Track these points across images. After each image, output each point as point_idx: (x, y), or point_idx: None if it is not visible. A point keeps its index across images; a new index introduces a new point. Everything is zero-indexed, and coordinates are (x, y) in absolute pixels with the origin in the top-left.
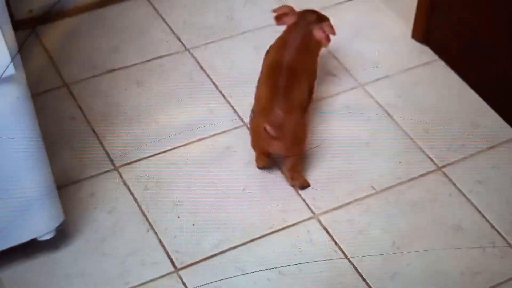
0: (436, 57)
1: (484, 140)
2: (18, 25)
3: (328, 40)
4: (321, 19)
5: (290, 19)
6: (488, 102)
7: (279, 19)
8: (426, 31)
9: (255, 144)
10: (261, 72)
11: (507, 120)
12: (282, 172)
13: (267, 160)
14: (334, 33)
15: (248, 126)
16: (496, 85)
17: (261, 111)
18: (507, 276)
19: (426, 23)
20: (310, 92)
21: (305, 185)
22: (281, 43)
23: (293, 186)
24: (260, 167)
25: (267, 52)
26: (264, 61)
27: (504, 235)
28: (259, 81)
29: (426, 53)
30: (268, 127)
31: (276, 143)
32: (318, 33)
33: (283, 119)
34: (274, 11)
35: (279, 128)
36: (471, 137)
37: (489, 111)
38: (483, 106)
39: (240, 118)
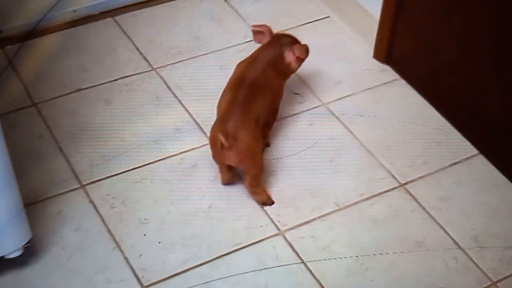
0: (398, 76)
1: (446, 158)
2: None
3: (297, 62)
4: (294, 42)
5: (265, 39)
6: (449, 120)
7: (256, 36)
8: (387, 50)
9: (213, 156)
10: (227, 83)
11: (469, 138)
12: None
13: (229, 174)
14: (303, 56)
15: None
16: (457, 103)
17: (217, 121)
18: None
19: (387, 43)
20: (275, 111)
21: (267, 202)
22: (250, 59)
23: (256, 201)
24: (224, 183)
25: (236, 66)
26: (233, 72)
27: (467, 251)
28: (222, 92)
29: (387, 72)
30: (220, 136)
31: (229, 153)
32: (288, 55)
33: (236, 129)
34: (253, 27)
35: (232, 138)
36: (433, 155)
37: (451, 129)
38: (444, 124)
39: (206, 136)
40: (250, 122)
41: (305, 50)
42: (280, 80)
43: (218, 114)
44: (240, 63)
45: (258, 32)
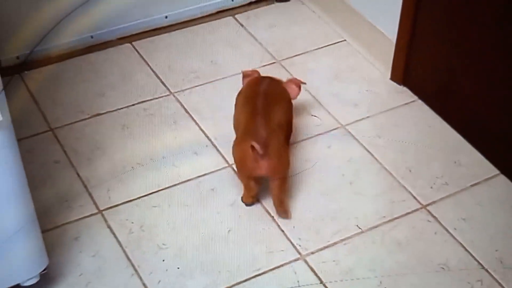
0: (415, 97)
1: (466, 178)
2: (5, 71)
3: (299, 89)
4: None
5: (255, 73)
6: (468, 140)
7: (245, 80)
8: (404, 72)
9: (242, 172)
10: (236, 106)
11: (488, 158)
12: (266, 210)
13: (256, 189)
14: (302, 83)
15: (233, 157)
16: (476, 123)
17: (243, 135)
18: None
19: (404, 64)
20: (290, 122)
21: (288, 216)
22: (252, 83)
23: (279, 213)
24: (249, 201)
25: (238, 94)
26: (236, 100)
27: (492, 272)
28: (235, 114)
29: (405, 94)
30: (255, 144)
31: (263, 163)
32: (289, 86)
33: (266, 137)
34: (244, 72)
35: (264, 146)
36: (453, 175)
37: (471, 149)
38: (464, 144)
39: (224, 159)
40: (274, 129)
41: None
42: (286, 94)
43: (239, 129)
44: (241, 91)
45: (248, 75)
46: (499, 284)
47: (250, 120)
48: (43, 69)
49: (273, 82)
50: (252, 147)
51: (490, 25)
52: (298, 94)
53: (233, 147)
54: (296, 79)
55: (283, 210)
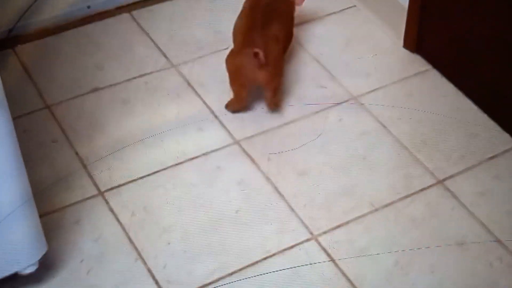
0: (429, 66)
1: (483, 151)
2: None
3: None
4: None
5: None
6: (485, 111)
7: None
8: (417, 40)
9: (238, 81)
10: (239, 14)
11: (506, 129)
12: (276, 189)
13: (246, 100)
14: None
15: (227, 66)
16: (493, 93)
17: (241, 45)
18: None
19: (417, 32)
20: (290, 34)
21: (278, 107)
22: None
23: (271, 109)
24: (234, 110)
25: (244, 3)
26: (242, 8)
27: (511, 249)
28: (236, 22)
29: (418, 62)
30: (260, 52)
31: (262, 71)
32: None
33: (265, 48)
34: None
35: (265, 55)
36: (470, 148)
37: (488, 120)
38: (480, 115)
39: (230, 135)
40: (272, 40)
41: None
42: (289, 7)
43: (237, 39)
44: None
45: None
46: None
47: (250, 31)
48: (38, 42)
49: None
50: (256, 54)
51: None
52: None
53: (229, 56)
54: None
55: (273, 104)
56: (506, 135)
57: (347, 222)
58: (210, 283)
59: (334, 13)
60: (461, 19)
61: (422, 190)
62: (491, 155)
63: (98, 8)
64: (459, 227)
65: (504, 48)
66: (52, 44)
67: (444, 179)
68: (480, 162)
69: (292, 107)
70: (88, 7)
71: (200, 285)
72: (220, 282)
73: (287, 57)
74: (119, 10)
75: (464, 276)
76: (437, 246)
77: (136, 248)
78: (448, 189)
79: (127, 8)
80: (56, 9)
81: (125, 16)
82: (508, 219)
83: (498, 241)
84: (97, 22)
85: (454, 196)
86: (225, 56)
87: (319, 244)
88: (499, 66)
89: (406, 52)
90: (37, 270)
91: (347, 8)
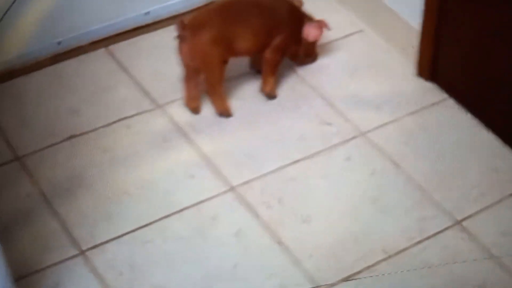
0: (445, 95)
1: (505, 186)
2: None
3: (320, 31)
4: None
5: None
6: (506, 143)
7: None
8: (431, 66)
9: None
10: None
11: None
12: (277, 238)
13: (193, 90)
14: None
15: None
16: None
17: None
18: None
19: (431, 57)
20: (277, 48)
21: (223, 113)
22: None
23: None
24: (189, 108)
25: None
26: None
27: None
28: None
29: (433, 92)
30: (177, 23)
31: (182, 45)
32: (309, 25)
33: (201, 26)
34: None
35: (191, 31)
36: (490, 184)
37: (509, 153)
38: (501, 147)
39: (226, 181)
40: (221, 28)
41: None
42: (292, 25)
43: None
44: None
45: None
46: None
47: (207, 10)
48: (4, 85)
49: (283, 4)
50: (180, 23)
51: None
52: (316, 36)
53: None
54: (321, 20)
55: (215, 108)
56: None
57: (358, 272)
58: None
59: (339, 39)
60: (480, 43)
61: (438, 233)
62: None
63: (70, 43)
64: (479, 272)
65: None
66: (20, 87)
67: (462, 220)
68: (501, 199)
69: (293, 147)
70: (59, 43)
71: None
72: None
73: (284, 90)
74: (94, 45)
75: None
76: None
77: None
78: (466, 230)
79: (103, 42)
80: (23, 47)
81: (101, 51)
82: None
83: None
84: (69, 60)
85: (473, 237)
86: None
87: None
88: None
89: (419, 80)
90: None
91: (353, 33)
